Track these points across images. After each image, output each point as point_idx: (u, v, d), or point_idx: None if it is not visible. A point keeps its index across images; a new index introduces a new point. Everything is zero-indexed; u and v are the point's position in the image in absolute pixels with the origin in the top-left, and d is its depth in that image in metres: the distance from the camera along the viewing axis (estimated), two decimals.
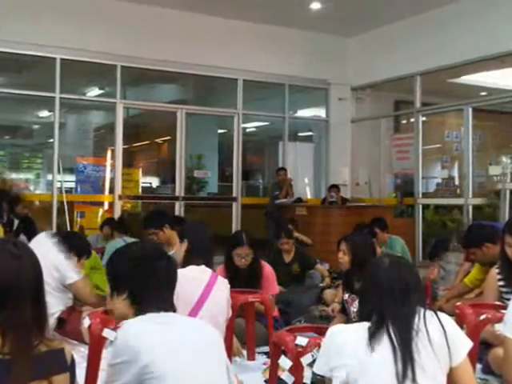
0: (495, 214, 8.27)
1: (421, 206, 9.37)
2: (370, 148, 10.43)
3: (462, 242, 4.71)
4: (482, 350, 3.13)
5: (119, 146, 8.85)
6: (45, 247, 3.69)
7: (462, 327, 2.13)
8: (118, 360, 1.82)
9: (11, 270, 1.70)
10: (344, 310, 4.16)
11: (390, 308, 2.04)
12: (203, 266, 3.38)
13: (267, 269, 4.67)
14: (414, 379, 1.90)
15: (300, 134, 11.35)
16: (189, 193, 9.63)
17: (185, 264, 3.38)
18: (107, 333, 2.67)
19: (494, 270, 3.54)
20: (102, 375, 2.22)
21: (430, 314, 2.03)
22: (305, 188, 10.62)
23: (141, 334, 1.86)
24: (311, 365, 2.69)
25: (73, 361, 1.70)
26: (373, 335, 1.99)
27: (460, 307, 3.30)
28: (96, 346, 2.59)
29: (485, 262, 4.30)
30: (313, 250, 7.55)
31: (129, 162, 10.17)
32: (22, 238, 6.41)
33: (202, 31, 9.03)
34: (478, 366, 2.98)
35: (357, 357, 1.97)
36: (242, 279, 4.44)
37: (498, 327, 2.40)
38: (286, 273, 6.02)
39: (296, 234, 7.04)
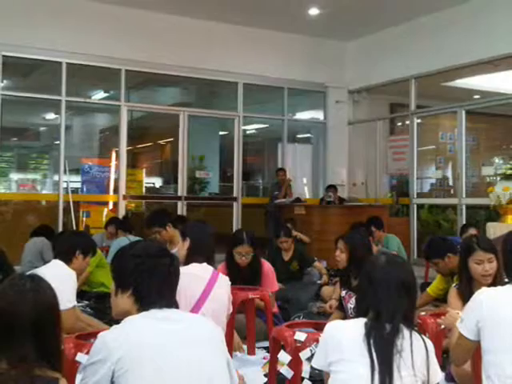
0: (453, 229, 8.33)
1: (416, 206, 9.37)
2: (367, 149, 10.43)
3: (424, 254, 4.77)
4: (444, 359, 3.15)
5: (123, 147, 8.84)
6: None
7: (424, 335, 2.16)
8: (93, 359, 1.82)
9: (10, 306, 1.72)
10: (341, 307, 4.16)
11: (386, 304, 2.04)
12: (205, 264, 3.38)
13: (267, 266, 4.68)
14: None
15: (299, 136, 11.35)
16: (191, 193, 9.63)
17: (187, 262, 3.38)
18: (80, 357, 2.63)
19: (454, 289, 3.58)
20: None
21: (416, 337, 2.03)
22: (303, 188, 10.62)
23: (121, 333, 1.86)
24: (310, 359, 2.70)
25: None
26: (369, 331, 2.00)
27: (422, 317, 3.35)
28: (69, 370, 2.52)
29: (446, 273, 4.42)
30: (311, 248, 7.55)
31: (133, 162, 10.19)
32: None
33: (203, 36, 9.03)
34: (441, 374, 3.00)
35: (353, 352, 1.98)
36: (243, 276, 4.45)
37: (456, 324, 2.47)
38: (285, 270, 6.03)
39: (295, 233, 7.04)
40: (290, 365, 2.95)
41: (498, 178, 7.23)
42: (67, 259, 3.74)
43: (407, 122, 9.73)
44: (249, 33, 9.40)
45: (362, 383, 1.93)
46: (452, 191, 9.83)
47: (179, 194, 9.28)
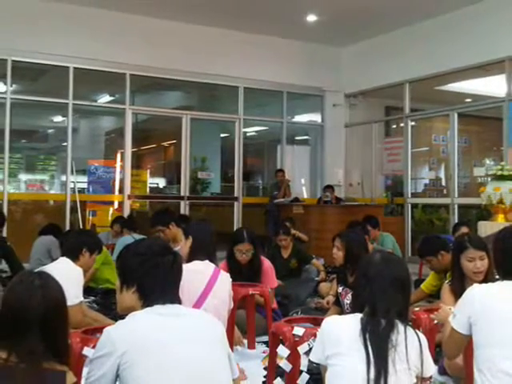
0: (445, 228, 8.32)
1: (410, 205, 9.37)
2: (363, 151, 10.42)
3: (418, 252, 4.75)
4: (437, 353, 3.14)
5: (128, 149, 8.85)
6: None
7: (418, 330, 2.16)
8: (99, 353, 1.82)
9: (19, 302, 1.72)
10: (338, 302, 4.15)
11: (381, 300, 2.04)
12: (207, 261, 3.38)
13: (266, 264, 4.67)
14: None
15: (297, 138, 11.34)
16: (193, 193, 9.63)
17: (189, 259, 3.38)
18: (87, 351, 2.62)
19: (446, 285, 3.57)
20: None
21: (410, 331, 2.03)
22: (301, 188, 10.62)
23: (126, 328, 1.86)
24: (308, 353, 2.69)
25: None
26: (365, 326, 2.00)
27: (416, 313, 3.33)
28: (76, 364, 2.51)
29: (439, 270, 4.41)
30: (309, 246, 7.55)
31: (137, 163, 10.17)
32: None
33: (205, 42, 9.03)
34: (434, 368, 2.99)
35: (350, 346, 1.98)
36: (243, 273, 4.44)
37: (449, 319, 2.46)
38: (284, 267, 6.02)
39: (293, 231, 7.03)
40: (288, 359, 2.95)
41: (489, 179, 7.22)
42: (74, 257, 3.74)
43: (402, 125, 9.72)
44: (249, 39, 9.39)
45: (358, 377, 1.93)
46: (445, 191, 9.84)
47: (182, 193, 9.28)
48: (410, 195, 9.45)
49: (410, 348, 1.98)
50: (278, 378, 3.17)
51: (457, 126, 8.70)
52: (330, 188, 9.21)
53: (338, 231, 4.53)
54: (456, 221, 8.05)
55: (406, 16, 8.55)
